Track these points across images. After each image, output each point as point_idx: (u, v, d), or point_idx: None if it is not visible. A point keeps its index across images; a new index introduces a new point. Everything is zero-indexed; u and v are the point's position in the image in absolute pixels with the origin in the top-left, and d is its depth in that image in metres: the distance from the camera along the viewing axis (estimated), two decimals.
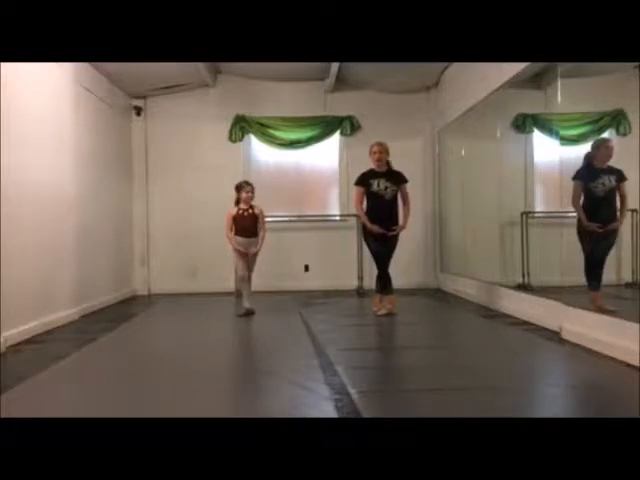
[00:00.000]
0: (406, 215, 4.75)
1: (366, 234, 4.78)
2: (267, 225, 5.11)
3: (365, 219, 4.68)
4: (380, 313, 4.73)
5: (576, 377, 2.96)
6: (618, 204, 4.01)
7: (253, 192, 4.93)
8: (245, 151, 7.09)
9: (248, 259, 4.89)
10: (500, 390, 2.57)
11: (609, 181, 3.96)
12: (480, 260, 5.94)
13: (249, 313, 4.91)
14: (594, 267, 3.98)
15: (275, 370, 2.94)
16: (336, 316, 4.88)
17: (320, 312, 5.06)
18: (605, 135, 4.73)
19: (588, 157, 4.08)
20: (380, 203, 4.65)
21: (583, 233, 4.03)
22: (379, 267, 4.75)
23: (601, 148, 4.07)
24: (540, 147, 5.54)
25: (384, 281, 4.74)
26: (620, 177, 3.97)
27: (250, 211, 4.89)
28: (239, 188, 4.93)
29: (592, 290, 3.92)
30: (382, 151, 4.68)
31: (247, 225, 4.87)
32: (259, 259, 5.04)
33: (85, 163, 5.30)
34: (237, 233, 4.89)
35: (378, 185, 4.64)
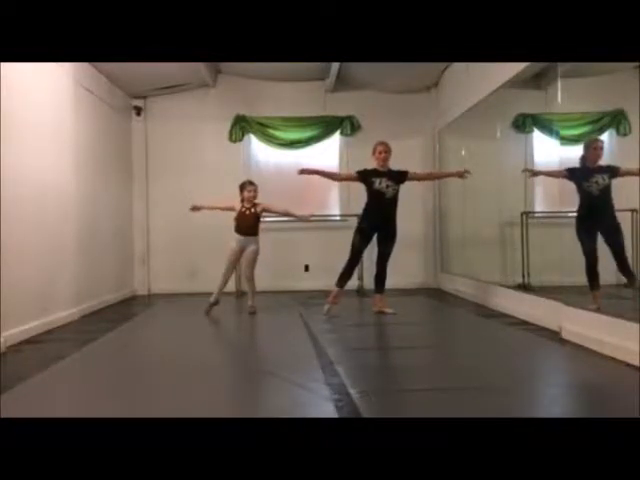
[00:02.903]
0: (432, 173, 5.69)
1: (360, 228, 4.81)
2: (268, 225, 5.19)
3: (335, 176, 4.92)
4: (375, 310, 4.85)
5: (576, 377, 2.96)
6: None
7: (256, 192, 4.97)
8: (245, 151, 7.09)
9: (245, 257, 4.91)
10: (500, 390, 2.57)
11: (602, 180, 3.99)
12: (480, 260, 5.94)
13: (213, 305, 4.97)
14: (594, 266, 3.99)
15: (275, 370, 2.94)
16: (336, 316, 4.88)
17: (320, 312, 5.06)
18: (605, 135, 4.74)
19: (582, 158, 4.12)
20: (380, 202, 4.69)
21: (582, 232, 4.04)
22: (350, 263, 4.78)
23: (590, 148, 4.12)
24: (540, 147, 5.54)
25: (381, 281, 4.81)
26: (614, 172, 3.98)
27: (252, 210, 4.93)
28: (242, 187, 4.99)
29: (593, 289, 3.93)
30: (387, 150, 4.74)
31: (248, 224, 4.92)
32: (261, 258, 5.07)
33: (85, 163, 5.30)
34: (237, 231, 4.95)
35: (380, 184, 4.68)
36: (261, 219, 5.03)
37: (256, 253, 4.95)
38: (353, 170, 4.97)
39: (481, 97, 5.42)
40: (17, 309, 3.86)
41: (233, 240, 4.94)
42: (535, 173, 4.94)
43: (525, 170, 4.94)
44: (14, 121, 3.90)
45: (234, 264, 4.95)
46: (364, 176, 4.74)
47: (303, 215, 5.25)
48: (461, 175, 5.00)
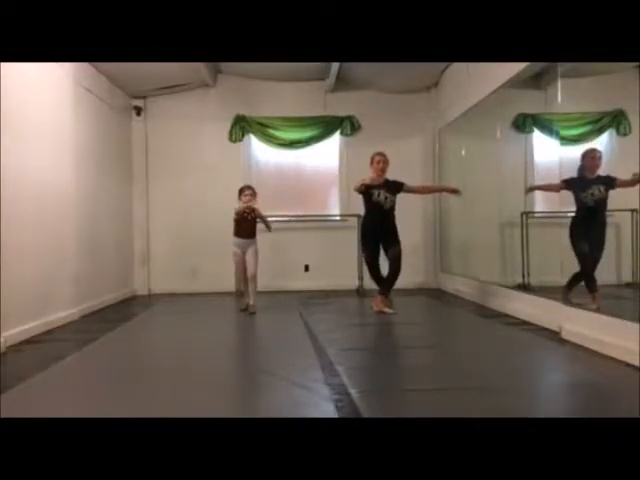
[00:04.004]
0: (427, 187, 5.53)
1: (365, 244, 4.92)
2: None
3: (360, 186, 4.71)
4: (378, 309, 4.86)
5: (576, 377, 2.96)
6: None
7: (253, 196, 5.02)
8: (245, 151, 7.09)
9: (246, 261, 5.00)
10: (500, 390, 2.57)
11: (599, 191, 4.02)
12: (480, 260, 5.94)
13: (248, 309, 5.03)
14: (590, 270, 3.99)
15: (275, 370, 2.94)
16: (336, 316, 4.88)
17: (320, 312, 5.06)
18: (605, 135, 4.74)
19: (580, 168, 4.15)
20: (378, 212, 4.78)
21: (575, 237, 4.05)
22: (372, 272, 4.90)
23: (587, 158, 4.14)
24: (540, 147, 5.55)
25: (389, 284, 4.85)
26: (610, 184, 4.00)
27: (251, 215, 5.02)
28: (240, 192, 5.07)
29: (592, 291, 3.93)
30: (385, 161, 4.81)
31: (246, 227, 5.02)
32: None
33: (85, 163, 5.30)
34: (236, 234, 5.05)
35: (378, 195, 4.77)
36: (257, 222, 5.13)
37: (257, 252, 5.05)
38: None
39: (481, 97, 5.41)
40: (17, 309, 3.86)
41: (234, 245, 5.05)
42: (532, 189, 5.01)
43: (527, 191, 5.05)
44: (14, 121, 3.90)
45: (242, 267, 5.06)
46: (367, 188, 4.75)
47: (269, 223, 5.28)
48: (455, 192, 5.11)
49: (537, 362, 3.29)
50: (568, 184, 4.16)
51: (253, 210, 5.03)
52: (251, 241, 5.03)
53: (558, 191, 4.30)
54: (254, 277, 5.03)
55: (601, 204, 4.03)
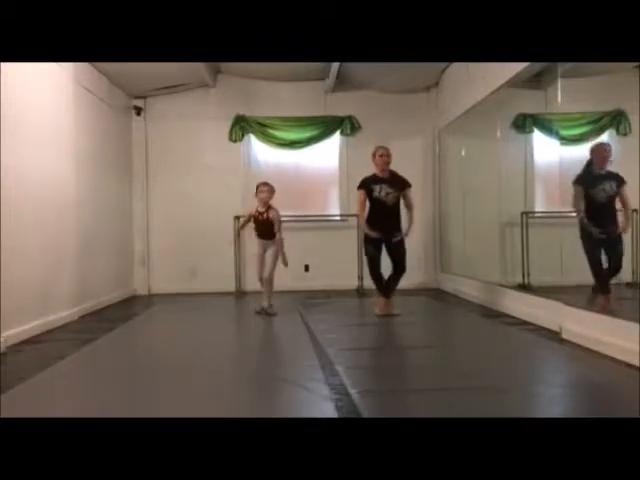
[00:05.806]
0: (410, 220, 4.73)
1: (366, 238, 4.74)
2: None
3: (364, 226, 4.64)
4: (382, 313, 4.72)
5: (576, 377, 2.96)
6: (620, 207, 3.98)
7: (270, 192, 4.86)
8: (245, 151, 7.09)
9: (266, 259, 4.87)
10: (500, 390, 2.57)
11: (610, 187, 3.92)
12: (480, 260, 5.94)
13: (263, 312, 4.90)
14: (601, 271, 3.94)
15: (275, 370, 2.94)
16: (336, 316, 4.88)
17: (320, 312, 5.06)
18: (605, 135, 4.73)
19: (588, 163, 4.05)
20: (381, 209, 4.63)
21: (586, 240, 3.94)
22: (373, 271, 4.71)
23: (598, 153, 4.04)
24: (540, 147, 5.55)
25: (393, 284, 4.74)
26: (620, 182, 3.92)
27: (265, 215, 4.84)
28: (256, 189, 4.91)
29: (605, 293, 3.88)
30: (387, 154, 4.66)
31: (262, 228, 4.88)
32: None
33: (85, 163, 5.30)
34: (256, 235, 4.94)
35: (380, 191, 4.61)
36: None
37: (275, 256, 4.86)
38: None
39: (481, 97, 5.41)
40: (17, 309, 3.86)
41: (257, 245, 4.93)
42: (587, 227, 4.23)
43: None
44: (14, 121, 3.90)
45: (260, 268, 4.93)
46: (364, 186, 4.64)
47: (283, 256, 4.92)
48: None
49: (537, 362, 3.29)
50: (580, 182, 4.02)
51: (266, 211, 4.84)
52: (269, 242, 4.86)
53: (581, 199, 4.05)
54: (267, 281, 4.88)
55: (612, 200, 3.92)
